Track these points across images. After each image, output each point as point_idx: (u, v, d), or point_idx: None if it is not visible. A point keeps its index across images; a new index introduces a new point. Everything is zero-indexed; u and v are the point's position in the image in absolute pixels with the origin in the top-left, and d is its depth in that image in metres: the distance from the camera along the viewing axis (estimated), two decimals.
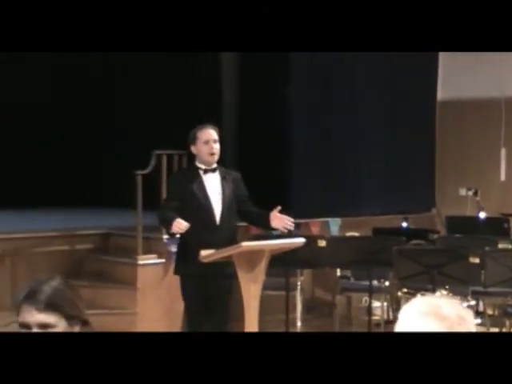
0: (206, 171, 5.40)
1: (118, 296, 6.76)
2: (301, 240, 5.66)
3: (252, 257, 5.27)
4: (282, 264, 6.11)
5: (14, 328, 2.45)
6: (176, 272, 5.59)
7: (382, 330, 7.12)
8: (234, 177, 5.55)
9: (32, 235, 6.95)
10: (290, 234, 6.11)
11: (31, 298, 2.37)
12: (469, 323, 1.87)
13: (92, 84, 9.81)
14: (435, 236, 7.72)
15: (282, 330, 6.51)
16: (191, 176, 5.41)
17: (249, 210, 5.55)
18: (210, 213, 5.36)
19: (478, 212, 8.80)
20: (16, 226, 7.37)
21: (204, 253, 5.31)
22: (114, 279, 6.93)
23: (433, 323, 1.84)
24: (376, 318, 7.43)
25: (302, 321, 7.15)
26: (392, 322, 7.49)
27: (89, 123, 9.85)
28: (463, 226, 8.45)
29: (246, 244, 5.34)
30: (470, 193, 9.46)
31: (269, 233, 6.55)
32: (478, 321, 6.62)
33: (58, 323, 2.37)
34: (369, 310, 6.85)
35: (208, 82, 9.56)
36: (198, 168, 5.42)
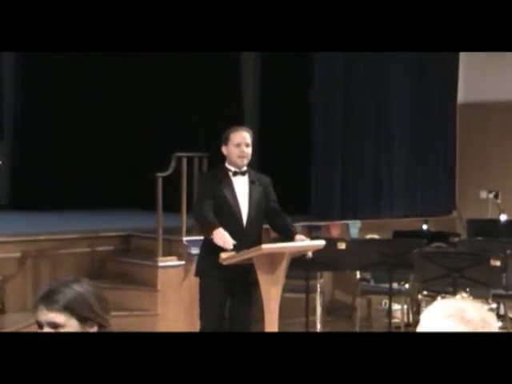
0: (235, 173, 5.34)
1: (139, 298, 6.80)
2: (321, 242, 5.66)
3: (272, 259, 5.27)
4: (302, 266, 6.10)
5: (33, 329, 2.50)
6: (198, 274, 5.55)
7: (401, 331, 7.10)
8: (263, 181, 5.48)
9: (54, 237, 7.01)
10: (310, 237, 6.11)
11: (46, 297, 2.43)
12: (492, 327, 1.86)
13: (110, 86, 9.87)
14: (456, 239, 7.68)
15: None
16: (220, 177, 5.34)
17: (276, 219, 5.50)
18: (237, 215, 5.31)
19: (499, 215, 8.74)
20: (39, 228, 7.43)
21: (224, 255, 5.30)
22: (134, 281, 6.96)
23: (456, 326, 1.82)
24: (396, 320, 7.41)
25: (322, 323, 7.15)
26: (412, 325, 7.48)
27: (109, 126, 9.91)
28: (484, 228, 8.41)
29: (266, 246, 5.33)
30: (491, 195, 9.41)
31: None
32: (500, 324, 6.58)
33: (67, 323, 2.41)
34: (389, 313, 6.84)
35: (229, 84, 9.59)
36: (227, 169, 5.36)
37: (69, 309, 2.41)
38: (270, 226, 5.68)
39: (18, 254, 6.67)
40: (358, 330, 7.25)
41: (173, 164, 6.97)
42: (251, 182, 5.38)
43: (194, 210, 5.45)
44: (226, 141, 5.33)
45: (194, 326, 5.66)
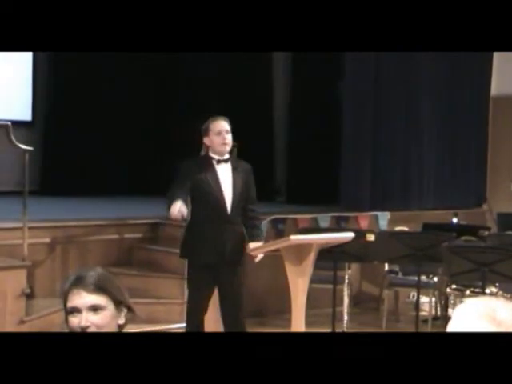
0: (218, 161, 5.44)
1: (166, 285, 6.82)
2: (349, 234, 5.64)
3: (300, 250, 5.27)
4: (330, 257, 6.09)
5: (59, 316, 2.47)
6: (182, 256, 5.61)
7: (429, 325, 7.05)
8: (244, 168, 5.57)
9: (83, 223, 7.05)
10: (338, 228, 6.09)
11: (80, 281, 2.38)
12: None
13: (139, 77, 9.92)
14: (486, 233, 7.61)
15: (328, 323, 6.51)
16: (204, 165, 5.45)
17: (246, 216, 5.53)
18: (221, 202, 5.38)
19: None
20: (68, 214, 7.48)
21: (252, 245, 5.34)
22: (162, 269, 6.99)
23: (488, 327, 1.78)
24: (424, 313, 7.37)
25: (349, 315, 7.13)
26: (439, 318, 7.43)
27: (140, 113, 9.95)
28: None
29: (294, 237, 5.34)
30: None
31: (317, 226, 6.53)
32: None
33: (108, 305, 2.38)
34: (416, 306, 6.80)
35: (259, 74, 9.58)
36: (211, 158, 5.47)
37: (104, 289, 2.38)
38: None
39: (48, 240, 6.72)
40: (384, 322, 7.22)
41: (202, 152, 6.95)
42: (234, 169, 5.48)
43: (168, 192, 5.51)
44: (206, 131, 5.48)
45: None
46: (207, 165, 5.43)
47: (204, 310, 5.47)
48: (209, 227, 5.33)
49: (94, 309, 2.36)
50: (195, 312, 5.45)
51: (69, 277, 2.46)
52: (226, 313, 5.46)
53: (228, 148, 5.47)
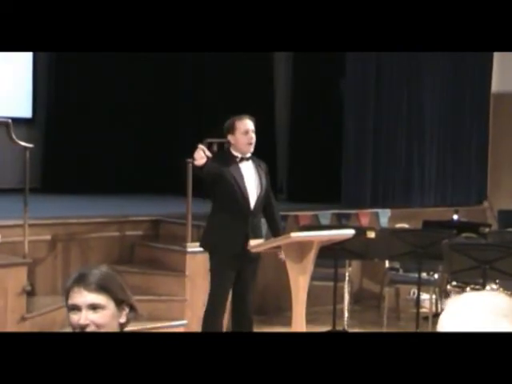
0: (241, 159, 5.51)
1: (167, 283, 6.83)
2: (350, 232, 5.65)
3: (301, 247, 5.28)
4: (331, 255, 6.10)
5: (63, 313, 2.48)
6: (207, 248, 5.69)
7: (429, 323, 7.06)
8: (263, 166, 5.68)
9: (84, 221, 7.05)
10: (339, 226, 6.11)
11: (82, 279, 2.40)
12: None
13: (141, 74, 9.91)
14: (486, 230, 7.61)
15: (329, 320, 6.52)
16: (228, 161, 5.51)
17: (270, 212, 5.68)
18: (245, 197, 5.46)
19: None
20: (69, 212, 7.49)
21: (253, 242, 5.35)
22: (163, 266, 6.99)
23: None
24: (424, 310, 7.38)
25: (350, 312, 7.13)
26: (440, 315, 7.43)
27: (142, 111, 9.96)
28: None
29: (295, 235, 5.35)
30: None
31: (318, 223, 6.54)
32: None
33: (108, 304, 2.39)
34: (417, 303, 6.81)
35: (260, 74, 9.57)
36: (234, 156, 5.53)
37: (105, 288, 2.39)
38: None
39: (49, 237, 6.72)
40: (385, 319, 7.22)
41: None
42: (258, 166, 5.58)
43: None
44: (232, 130, 5.52)
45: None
46: (231, 161, 5.50)
47: (224, 307, 5.55)
48: (232, 220, 5.42)
49: (94, 307, 2.38)
50: (217, 308, 5.50)
51: (72, 274, 2.48)
52: (237, 308, 5.55)
53: (252, 147, 5.55)
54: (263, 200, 5.55)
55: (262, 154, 9.45)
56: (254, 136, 5.51)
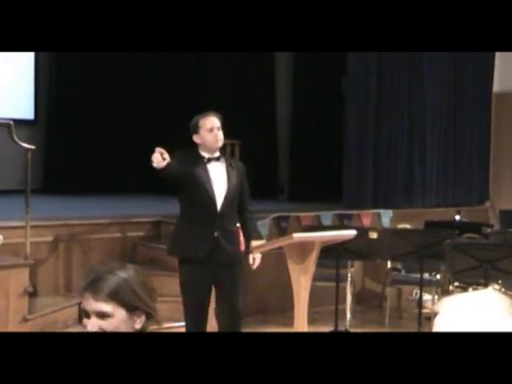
0: (209, 160, 5.18)
1: (169, 283, 6.80)
2: (352, 232, 5.65)
3: (303, 248, 5.27)
4: (333, 255, 6.09)
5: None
6: (174, 254, 5.37)
7: (431, 323, 7.06)
8: (239, 167, 5.33)
9: (86, 221, 7.05)
10: (341, 226, 6.09)
11: (92, 285, 2.37)
12: None
13: (142, 74, 9.92)
14: (488, 230, 7.61)
15: (331, 321, 6.51)
16: (196, 161, 5.18)
17: (243, 216, 5.31)
18: (211, 198, 5.11)
19: None
20: (70, 212, 7.49)
21: (255, 243, 5.31)
22: (165, 267, 6.98)
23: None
24: (426, 310, 7.37)
25: (352, 312, 7.13)
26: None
27: (143, 111, 9.96)
28: None
29: (297, 235, 5.34)
30: None
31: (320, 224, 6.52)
32: None
33: (116, 312, 2.36)
34: (419, 303, 6.80)
35: (261, 74, 9.57)
36: (201, 156, 5.19)
37: (115, 297, 2.34)
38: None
39: (50, 238, 6.72)
40: (387, 319, 7.22)
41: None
42: (229, 165, 5.23)
43: None
44: (196, 129, 5.19)
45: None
46: (198, 162, 5.16)
47: (203, 314, 5.16)
48: (199, 224, 5.09)
49: (102, 315, 2.36)
50: (194, 317, 5.17)
51: (89, 274, 2.43)
52: (221, 315, 5.20)
53: (220, 145, 5.22)
54: (234, 201, 5.19)
55: (264, 154, 9.47)
56: (220, 133, 5.16)
